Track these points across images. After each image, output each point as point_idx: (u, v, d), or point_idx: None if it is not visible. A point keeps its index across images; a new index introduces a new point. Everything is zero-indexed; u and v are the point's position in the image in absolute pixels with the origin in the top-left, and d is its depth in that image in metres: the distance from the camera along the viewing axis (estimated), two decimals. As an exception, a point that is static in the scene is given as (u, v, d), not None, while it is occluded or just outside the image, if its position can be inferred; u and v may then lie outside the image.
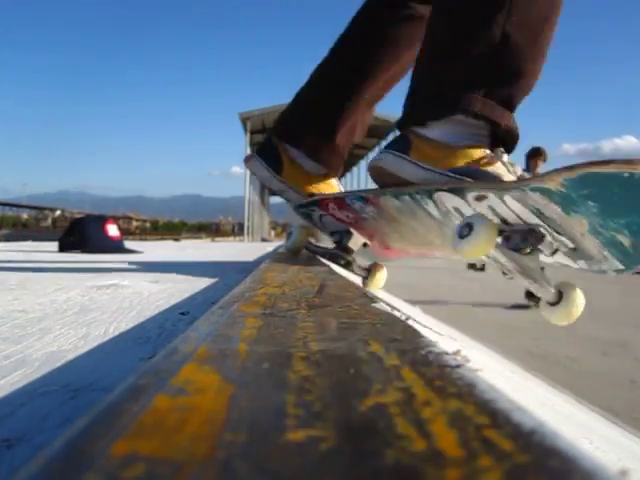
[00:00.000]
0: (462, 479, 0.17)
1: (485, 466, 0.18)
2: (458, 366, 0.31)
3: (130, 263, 2.42)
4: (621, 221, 0.73)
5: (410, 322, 0.52)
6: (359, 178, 26.20)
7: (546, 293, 0.98)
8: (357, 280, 1.39)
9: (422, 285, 7.44)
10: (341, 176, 1.78)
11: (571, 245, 0.89)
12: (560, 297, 1.00)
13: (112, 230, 3.80)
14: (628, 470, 0.20)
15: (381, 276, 1.44)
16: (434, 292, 6.77)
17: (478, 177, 1.03)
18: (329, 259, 1.53)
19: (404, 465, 0.18)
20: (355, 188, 27.24)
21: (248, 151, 20.36)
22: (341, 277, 1.08)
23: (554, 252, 0.93)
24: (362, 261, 1.49)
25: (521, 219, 0.89)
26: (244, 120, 19.64)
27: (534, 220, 0.88)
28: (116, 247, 3.67)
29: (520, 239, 0.91)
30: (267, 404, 0.25)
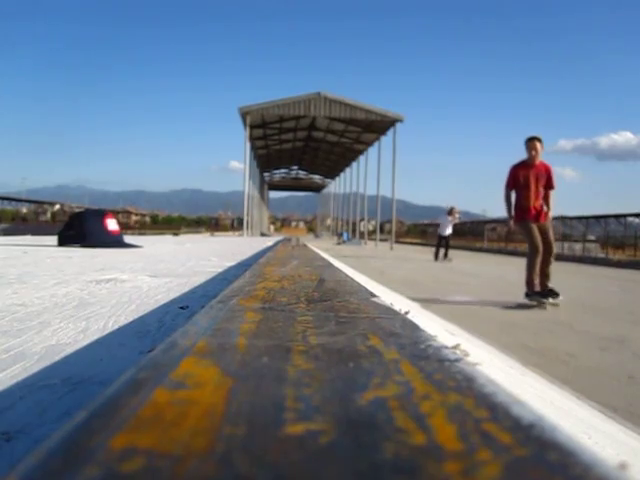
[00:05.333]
0: (461, 472, 0.17)
1: (484, 459, 0.18)
2: (457, 360, 0.31)
3: (129, 257, 2.42)
4: None
5: (409, 316, 0.53)
6: (358, 173, 26.23)
7: None
8: (358, 276, 1.39)
9: (422, 281, 7.44)
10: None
11: None
12: None
13: (111, 224, 3.80)
14: (626, 464, 0.20)
15: None
16: (434, 288, 6.77)
17: None
18: None
19: (403, 459, 0.18)
20: (355, 182, 27.36)
21: (248, 145, 20.35)
22: (340, 271, 1.08)
23: None
24: None
25: None
26: (244, 114, 19.62)
27: None
28: (115, 241, 3.67)
29: None
30: (266, 398, 0.25)
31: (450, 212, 13.77)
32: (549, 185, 4.91)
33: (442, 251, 13.27)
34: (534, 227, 4.75)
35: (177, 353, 0.32)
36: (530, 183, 4.88)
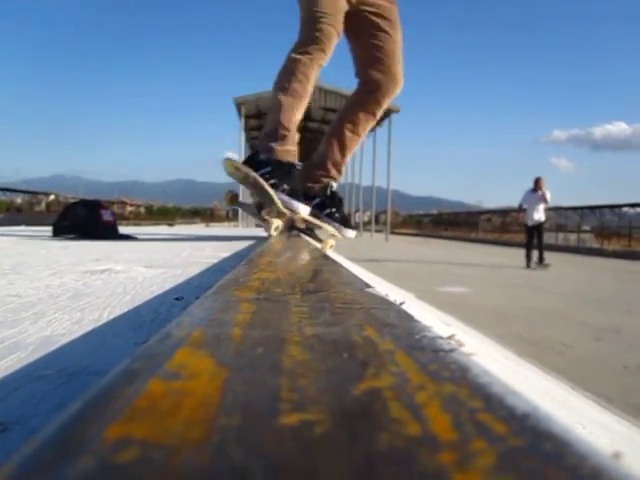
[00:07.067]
0: (456, 462, 0.17)
1: (479, 449, 0.18)
2: (452, 350, 0.31)
3: (124, 248, 2.41)
4: None
5: (404, 307, 0.53)
6: (353, 164, 26.19)
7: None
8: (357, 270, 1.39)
9: (417, 273, 7.46)
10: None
11: None
12: None
13: (106, 215, 3.77)
14: (621, 454, 0.20)
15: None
16: (428, 278, 6.80)
17: None
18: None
19: (398, 449, 0.18)
20: (350, 173, 27.28)
21: (243, 135, 20.28)
22: (335, 262, 1.08)
23: None
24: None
25: None
26: (239, 105, 19.56)
27: None
28: (110, 232, 3.65)
29: None
30: (261, 388, 0.25)
31: (536, 185, 8.88)
32: None
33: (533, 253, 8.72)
34: None
35: (172, 344, 0.32)
36: None
